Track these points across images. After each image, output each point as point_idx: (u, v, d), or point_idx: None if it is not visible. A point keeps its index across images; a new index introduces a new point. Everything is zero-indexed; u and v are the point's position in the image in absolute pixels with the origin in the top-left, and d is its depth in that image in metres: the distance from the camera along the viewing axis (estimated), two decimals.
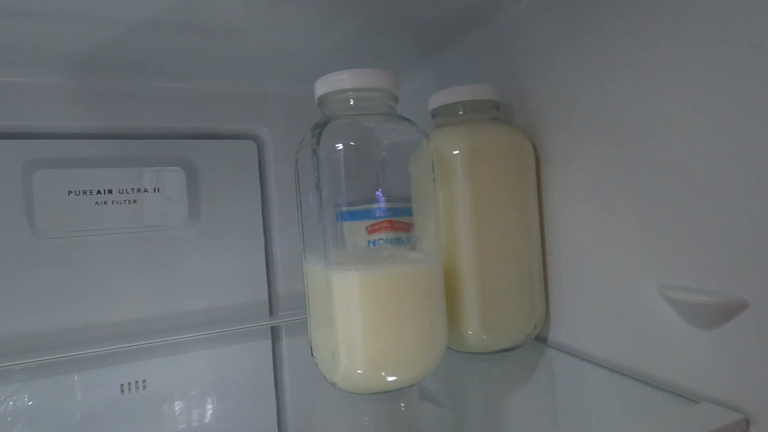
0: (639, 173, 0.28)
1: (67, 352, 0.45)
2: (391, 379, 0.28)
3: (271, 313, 0.56)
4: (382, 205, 0.45)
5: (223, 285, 0.53)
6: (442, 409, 0.30)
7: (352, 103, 0.31)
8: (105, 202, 0.47)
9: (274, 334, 0.50)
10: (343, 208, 0.48)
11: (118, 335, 0.49)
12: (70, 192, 0.46)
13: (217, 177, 0.54)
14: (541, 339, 0.38)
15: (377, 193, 0.37)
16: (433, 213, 0.32)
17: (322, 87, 0.30)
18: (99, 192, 0.47)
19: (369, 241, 0.46)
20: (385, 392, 0.29)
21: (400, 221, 0.42)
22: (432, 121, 0.39)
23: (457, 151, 0.33)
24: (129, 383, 0.37)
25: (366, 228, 0.46)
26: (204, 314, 0.52)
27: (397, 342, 0.28)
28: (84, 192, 0.47)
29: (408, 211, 0.39)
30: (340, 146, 0.29)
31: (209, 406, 0.32)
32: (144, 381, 0.38)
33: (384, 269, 0.29)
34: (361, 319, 0.27)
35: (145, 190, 0.49)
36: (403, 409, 0.29)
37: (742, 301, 0.23)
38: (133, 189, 0.48)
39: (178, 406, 0.32)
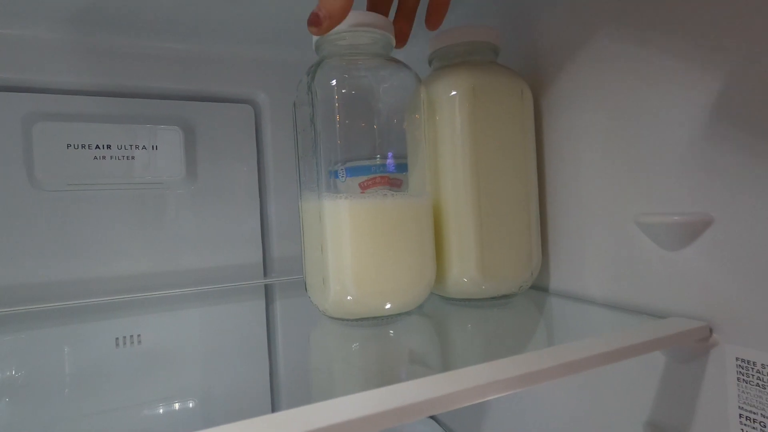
0: (631, 118, 0.29)
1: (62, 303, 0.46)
2: (379, 305, 0.29)
3: (265, 275, 0.57)
4: (376, 161, 0.46)
5: (219, 245, 0.54)
6: (433, 344, 0.31)
7: (346, 42, 0.32)
8: (103, 157, 0.48)
9: (268, 294, 0.51)
10: (337, 166, 0.49)
11: (113, 290, 0.49)
12: (69, 145, 0.47)
13: (215, 139, 0.54)
14: (539, 287, 0.39)
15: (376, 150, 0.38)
16: (422, 155, 0.34)
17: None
18: (98, 147, 0.48)
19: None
20: (374, 319, 0.31)
21: (394, 177, 0.43)
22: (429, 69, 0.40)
23: (454, 92, 0.33)
24: (124, 337, 0.38)
25: (359, 184, 0.47)
26: (199, 273, 0.53)
27: (385, 269, 0.29)
28: (83, 146, 0.47)
29: (402, 167, 0.40)
30: (334, 82, 0.30)
31: (203, 362, 0.32)
32: (139, 335, 0.39)
33: (374, 199, 0.30)
34: (350, 245, 0.29)
35: (143, 147, 0.50)
36: (393, 343, 0.30)
37: (708, 218, 0.25)
38: (131, 145, 0.49)
39: (172, 361, 0.33)
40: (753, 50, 0.23)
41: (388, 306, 0.30)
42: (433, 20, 0.35)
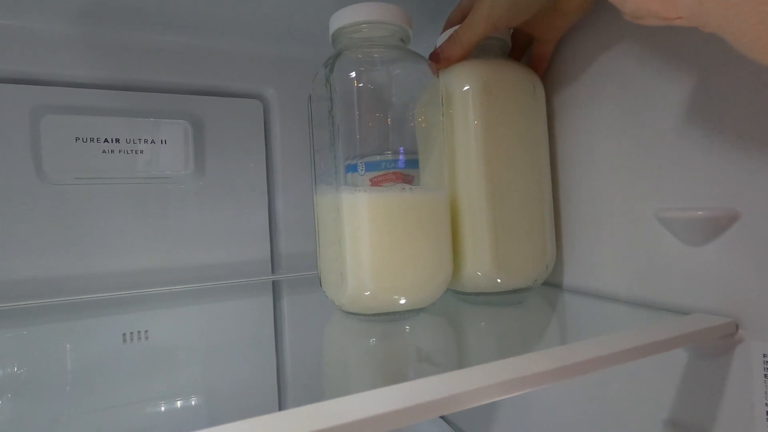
0: (649, 112, 0.29)
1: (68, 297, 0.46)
2: (397, 300, 0.29)
3: (272, 271, 0.57)
4: (388, 156, 0.45)
5: (226, 241, 0.54)
6: (450, 340, 0.30)
7: (364, 35, 0.31)
8: (112, 151, 0.48)
9: (276, 290, 0.51)
10: (348, 161, 0.48)
11: (120, 285, 0.49)
12: (77, 139, 0.46)
13: (223, 134, 0.54)
14: (553, 284, 0.38)
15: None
16: (439, 149, 0.33)
17: (336, 22, 0.31)
18: (106, 140, 0.47)
19: None
20: (391, 314, 0.30)
21: (405, 173, 0.43)
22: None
23: (467, 87, 0.33)
24: (131, 333, 0.38)
25: (370, 180, 0.47)
26: (206, 269, 0.53)
27: (405, 264, 0.29)
28: (91, 139, 0.47)
29: (413, 163, 0.40)
30: (353, 74, 0.30)
31: (210, 359, 0.32)
32: (146, 331, 0.38)
33: (393, 193, 0.29)
34: (370, 239, 0.28)
35: (152, 142, 0.49)
36: (409, 339, 0.30)
37: (734, 213, 0.24)
38: (140, 139, 0.49)
39: (179, 357, 0.33)
40: None
41: (404, 301, 0.29)
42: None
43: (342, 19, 0.31)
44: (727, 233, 0.24)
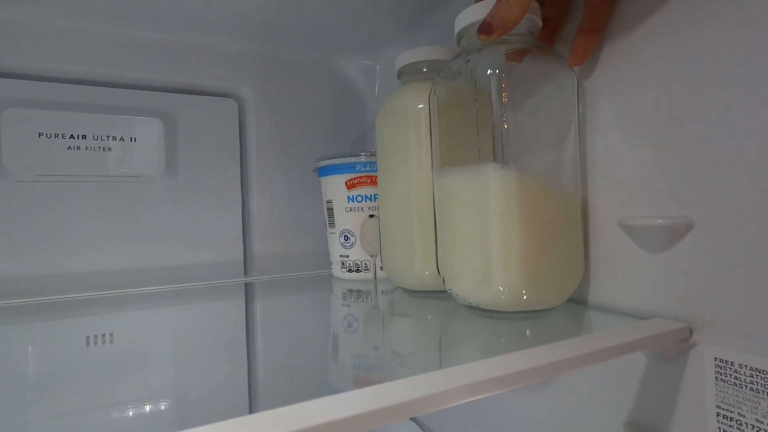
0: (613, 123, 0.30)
1: (29, 299, 0.44)
2: (543, 297, 0.29)
3: (245, 273, 0.56)
4: (362, 158, 0.46)
5: (198, 242, 0.53)
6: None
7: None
8: (78, 147, 0.46)
9: (248, 292, 0.50)
10: (321, 163, 0.49)
11: (85, 286, 0.47)
12: (41, 134, 0.45)
13: (196, 132, 0.53)
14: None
15: None
16: (572, 147, 0.31)
17: (465, 19, 0.31)
18: (72, 137, 0.46)
19: (349, 197, 0.47)
20: (526, 313, 0.30)
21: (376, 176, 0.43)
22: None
23: (421, 105, 0.34)
24: (95, 336, 0.36)
25: (345, 182, 0.47)
26: (176, 270, 0.52)
27: (555, 260, 0.29)
28: (56, 135, 0.45)
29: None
30: (491, 70, 0.29)
31: (179, 362, 0.31)
32: (111, 334, 0.37)
33: (544, 185, 0.29)
34: (525, 232, 0.28)
35: (121, 139, 0.48)
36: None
37: (690, 221, 0.25)
38: (108, 136, 0.47)
39: (146, 360, 0.32)
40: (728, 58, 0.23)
41: (545, 299, 0.29)
42: (578, 55, 0.31)
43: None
44: (683, 241, 0.26)
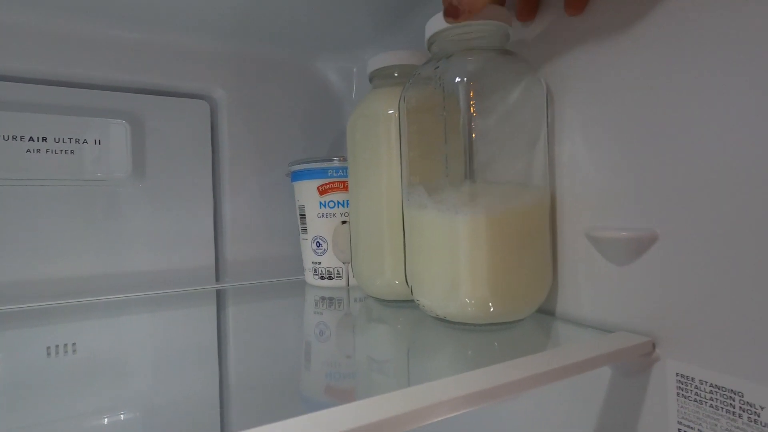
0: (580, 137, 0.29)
1: None
2: (509, 310, 0.29)
3: (217, 279, 0.55)
4: (336, 164, 0.45)
5: (167, 247, 0.51)
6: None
7: (472, 36, 0.30)
8: (38, 150, 0.44)
9: (220, 299, 0.49)
10: (294, 167, 0.48)
11: (48, 294, 0.46)
12: None
13: (166, 135, 0.51)
14: None
15: None
16: (544, 155, 0.31)
17: (435, 25, 0.30)
18: (31, 139, 0.44)
19: (321, 203, 0.46)
20: (492, 325, 0.30)
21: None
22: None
23: (392, 111, 0.34)
24: (57, 345, 0.35)
25: (317, 188, 0.46)
26: (145, 276, 0.50)
27: (520, 274, 0.28)
28: (14, 137, 0.43)
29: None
30: (459, 78, 0.29)
31: (145, 373, 0.30)
32: (74, 344, 0.36)
33: (509, 206, 0.28)
34: (489, 252, 0.28)
35: (85, 141, 0.46)
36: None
37: (653, 234, 0.25)
38: (71, 139, 0.46)
39: (109, 371, 0.30)
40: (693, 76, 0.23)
41: (514, 311, 0.29)
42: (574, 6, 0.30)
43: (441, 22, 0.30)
44: (647, 254, 0.25)
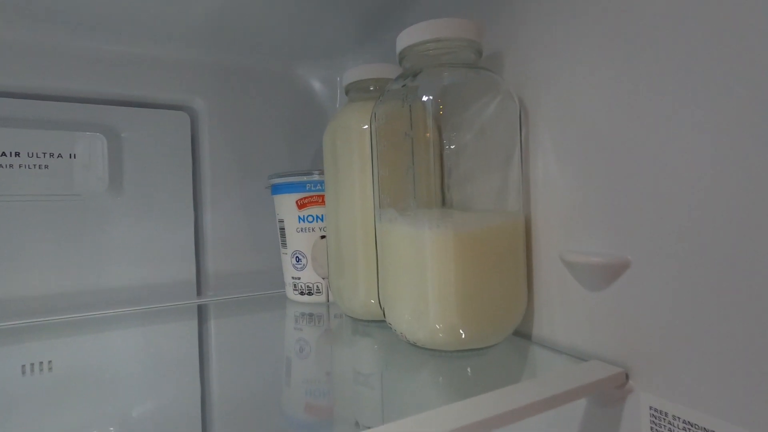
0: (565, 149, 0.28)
1: None
2: (480, 336, 0.28)
3: (198, 293, 0.54)
4: (315, 177, 0.44)
5: (147, 261, 0.50)
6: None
7: (441, 53, 0.29)
8: (10, 165, 0.43)
9: (201, 314, 0.48)
10: (273, 181, 0.47)
11: (23, 312, 0.45)
12: None
13: (144, 148, 0.51)
14: None
15: None
16: (518, 174, 0.30)
17: (406, 39, 0.29)
18: (4, 154, 0.43)
19: (300, 217, 0.45)
20: (463, 351, 0.29)
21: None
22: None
23: (366, 126, 0.33)
24: (32, 364, 0.34)
25: (296, 202, 0.45)
26: (124, 292, 0.49)
27: (491, 298, 0.27)
28: None
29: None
30: (426, 97, 0.28)
31: (124, 391, 0.29)
32: (50, 362, 0.35)
33: (480, 226, 0.27)
34: (456, 276, 0.26)
35: (59, 156, 0.45)
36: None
37: (625, 261, 0.24)
38: (44, 153, 0.45)
39: (86, 390, 0.30)
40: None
41: (486, 337, 0.28)
42: None
43: (412, 36, 0.29)
44: (619, 280, 0.24)
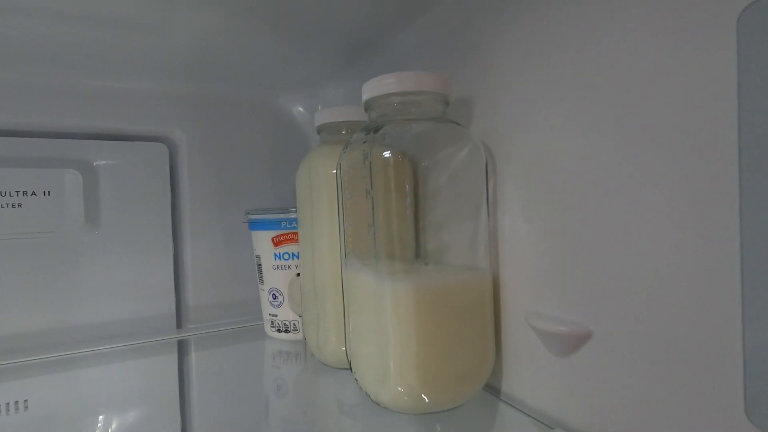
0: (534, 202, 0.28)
1: None
2: (446, 399, 0.27)
3: (179, 326, 0.53)
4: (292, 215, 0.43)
5: (126, 296, 0.50)
6: None
7: (400, 107, 0.29)
8: None
9: (182, 348, 0.47)
10: (249, 217, 0.46)
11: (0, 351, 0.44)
12: None
13: (121, 181, 0.50)
14: None
15: None
16: (482, 221, 0.29)
17: (370, 90, 0.29)
18: None
19: (275, 254, 0.44)
20: (427, 415, 0.28)
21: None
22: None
23: (335, 171, 0.32)
24: (8, 403, 0.34)
25: (272, 239, 0.44)
26: (102, 328, 0.49)
27: (455, 359, 0.27)
28: None
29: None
30: (388, 154, 0.27)
31: (102, 430, 0.29)
32: (26, 401, 0.35)
33: (441, 280, 0.27)
34: (417, 336, 0.26)
35: (33, 194, 0.45)
36: None
37: (588, 332, 0.23)
38: (18, 192, 0.44)
39: (63, 429, 0.29)
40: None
41: (451, 399, 0.27)
42: None
43: (376, 88, 0.28)
44: (583, 349, 0.24)
